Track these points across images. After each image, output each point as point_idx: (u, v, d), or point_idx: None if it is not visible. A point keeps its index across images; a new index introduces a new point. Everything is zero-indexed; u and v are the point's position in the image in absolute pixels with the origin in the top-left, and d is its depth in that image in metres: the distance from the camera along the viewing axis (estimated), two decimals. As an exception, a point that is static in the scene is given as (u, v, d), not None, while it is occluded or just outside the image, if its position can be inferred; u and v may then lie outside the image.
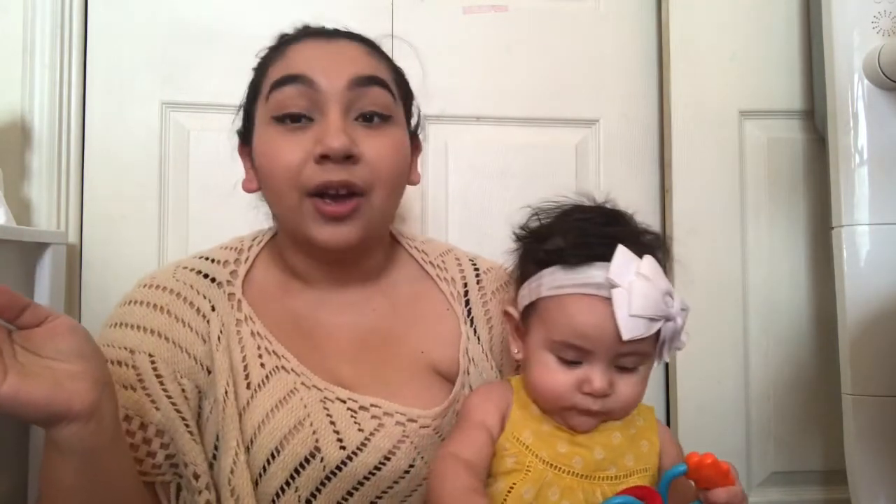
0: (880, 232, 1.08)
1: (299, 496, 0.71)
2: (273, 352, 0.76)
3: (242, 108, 0.84)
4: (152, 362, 0.73)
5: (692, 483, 0.66)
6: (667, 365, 1.25)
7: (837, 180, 1.10)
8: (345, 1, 1.21)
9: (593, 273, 0.66)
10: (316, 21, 0.85)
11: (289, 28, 0.85)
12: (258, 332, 0.77)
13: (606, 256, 0.66)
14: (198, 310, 0.77)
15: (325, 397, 0.74)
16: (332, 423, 0.72)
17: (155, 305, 0.76)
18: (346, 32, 0.82)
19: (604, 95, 1.28)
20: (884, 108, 1.08)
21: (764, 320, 1.25)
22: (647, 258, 0.66)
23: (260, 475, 0.71)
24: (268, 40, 0.85)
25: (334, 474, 0.71)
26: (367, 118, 0.76)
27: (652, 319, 0.65)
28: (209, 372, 0.75)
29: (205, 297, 0.78)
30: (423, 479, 0.75)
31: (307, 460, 0.71)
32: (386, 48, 0.84)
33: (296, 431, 0.71)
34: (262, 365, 0.75)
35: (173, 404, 0.72)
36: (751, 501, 1.23)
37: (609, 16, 1.29)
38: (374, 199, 0.75)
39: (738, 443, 1.24)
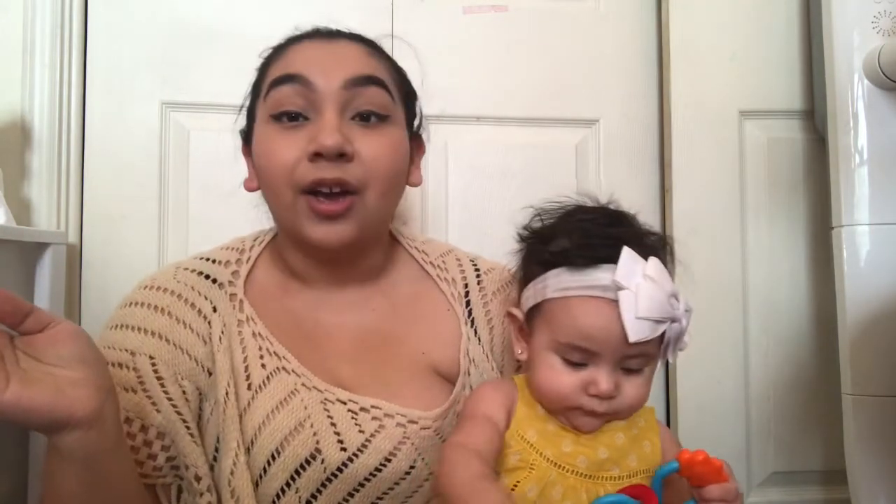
0: (880, 232, 1.08)
1: (300, 497, 0.71)
2: (274, 353, 0.76)
3: (245, 108, 0.84)
4: (153, 364, 0.73)
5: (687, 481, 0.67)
6: (667, 365, 1.25)
7: (837, 180, 1.10)
8: (345, 1, 1.21)
9: (599, 275, 0.66)
10: (315, 21, 0.85)
11: (288, 28, 0.85)
12: (259, 333, 0.77)
13: (612, 258, 0.66)
14: (199, 311, 0.77)
15: (326, 398, 0.74)
16: (333, 424, 0.72)
17: (156, 307, 0.76)
18: (346, 33, 0.82)
19: (604, 95, 1.28)
20: (884, 108, 1.08)
21: (764, 320, 1.25)
22: (653, 260, 0.66)
23: (260, 476, 0.71)
24: (268, 40, 0.85)
25: (335, 476, 0.71)
26: (363, 118, 0.76)
27: (658, 321, 0.65)
28: (210, 373, 0.75)
29: (206, 298, 0.78)
30: (423, 480, 0.75)
31: (308, 461, 0.71)
32: (386, 48, 0.84)
33: (296, 433, 0.71)
34: (263, 366, 0.75)
35: (174, 406, 0.72)
36: (751, 501, 1.24)
37: (609, 16, 1.29)
38: (368, 198, 0.75)
39: (738, 443, 1.24)
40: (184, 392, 0.73)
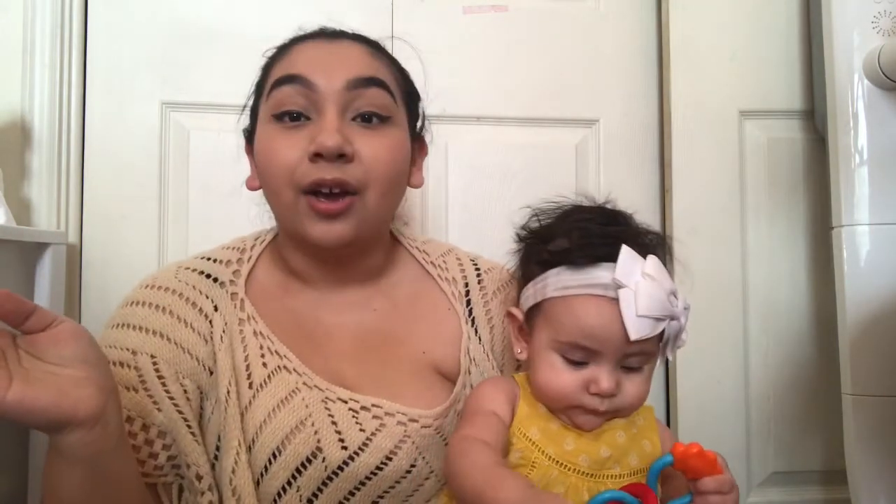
0: (880, 232, 1.08)
1: (301, 496, 0.71)
2: (275, 352, 0.76)
3: (249, 108, 0.84)
4: (154, 363, 0.73)
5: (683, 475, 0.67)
6: (667, 365, 1.25)
7: (837, 180, 1.10)
8: (345, 1, 1.21)
9: (599, 274, 0.66)
10: (315, 21, 0.85)
11: (288, 28, 0.85)
12: (260, 332, 0.77)
13: (611, 257, 0.66)
14: (200, 310, 0.77)
15: (327, 397, 0.74)
16: (334, 423, 0.72)
17: (157, 306, 0.76)
18: (349, 34, 0.82)
19: (604, 95, 1.28)
20: (884, 108, 1.08)
21: (764, 320, 1.25)
22: (651, 258, 0.67)
23: (261, 475, 0.71)
24: (267, 40, 0.85)
25: (336, 474, 0.71)
26: (365, 118, 0.76)
27: (658, 319, 0.65)
28: (211, 372, 0.75)
29: (207, 298, 0.78)
30: (424, 479, 0.75)
31: (309, 460, 0.71)
32: (386, 48, 0.84)
33: (297, 431, 0.71)
34: (265, 365, 0.75)
35: (175, 405, 0.72)
36: (751, 501, 1.24)
37: (609, 16, 1.29)
38: (367, 198, 0.75)
39: (738, 443, 1.23)
40: (185, 391, 0.73)
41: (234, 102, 0.87)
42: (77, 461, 0.60)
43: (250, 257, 0.83)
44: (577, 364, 0.68)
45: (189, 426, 0.72)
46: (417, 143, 0.86)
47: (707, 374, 1.23)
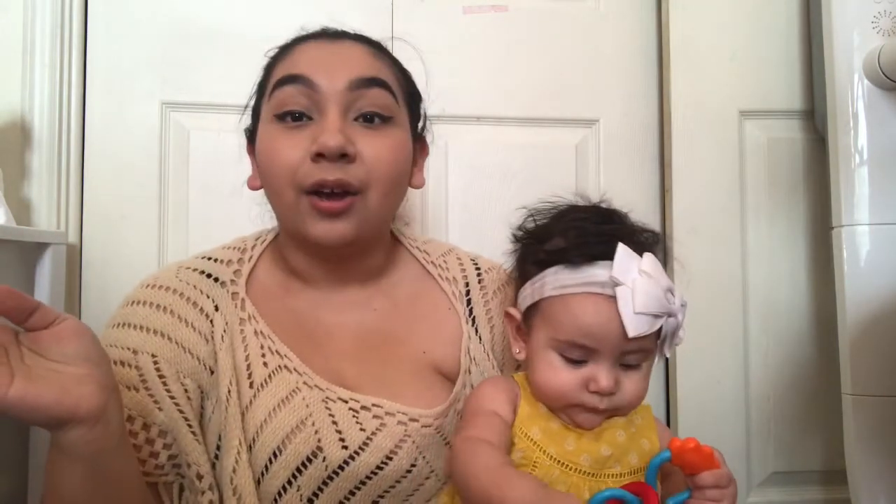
0: (880, 232, 1.08)
1: (301, 495, 0.71)
2: (276, 351, 0.76)
3: (251, 108, 0.84)
4: (155, 363, 0.73)
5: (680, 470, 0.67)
6: (667, 365, 1.25)
7: (837, 180, 1.10)
8: (345, 1, 1.21)
9: (596, 272, 0.67)
10: (315, 21, 0.85)
11: (287, 28, 0.85)
12: (261, 332, 0.77)
13: (607, 255, 0.66)
14: (201, 309, 0.77)
15: (328, 397, 0.74)
16: (335, 422, 0.72)
17: (158, 306, 0.76)
18: (352, 34, 0.82)
19: (604, 95, 1.28)
20: (884, 108, 1.08)
21: (764, 320, 1.25)
22: (648, 255, 0.67)
23: (262, 474, 0.71)
24: (267, 40, 0.85)
25: (336, 474, 0.71)
26: (367, 119, 0.76)
27: (655, 316, 0.65)
28: (212, 372, 0.75)
29: (208, 297, 0.78)
30: (424, 478, 0.75)
31: (309, 460, 0.71)
32: (388, 49, 0.84)
33: (298, 431, 0.71)
34: (265, 364, 0.75)
35: (176, 405, 0.72)
36: (751, 501, 1.24)
37: (609, 16, 1.29)
38: (369, 198, 0.75)
39: (738, 443, 1.23)
40: (186, 390, 0.73)
41: (234, 102, 0.87)
42: (78, 459, 0.60)
43: (251, 257, 0.84)
44: (576, 363, 0.68)
45: (190, 425, 0.72)
46: (419, 144, 0.86)
47: (707, 374, 1.23)
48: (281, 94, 0.76)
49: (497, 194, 1.25)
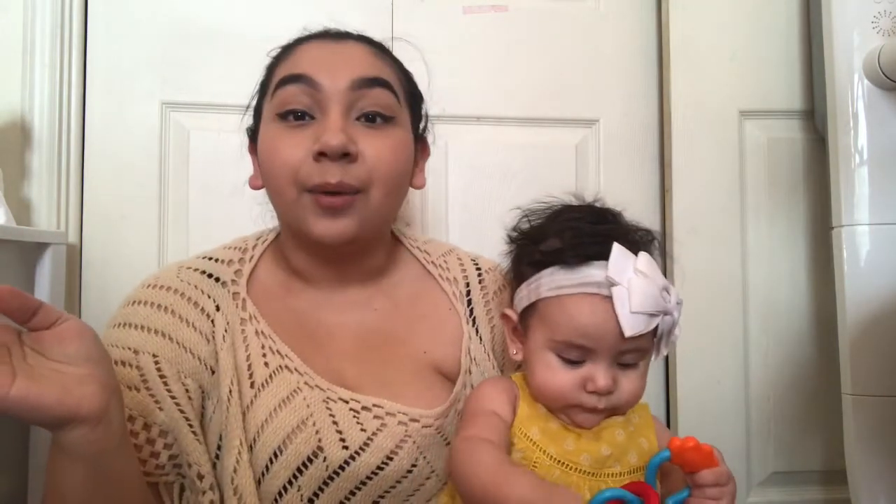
0: (880, 232, 1.08)
1: (302, 495, 0.71)
2: (277, 351, 0.76)
3: (253, 107, 0.85)
4: (156, 363, 0.73)
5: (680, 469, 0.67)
6: (667, 365, 1.25)
7: (837, 180, 1.10)
8: (345, 1, 1.21)
9: (592, 272, 0.67)
10: (316, 20, 0.85)
11: (288, 28, 0.85)
12: (262, 332, 0.77)
13: (602, 255, 0.66)
14: (202, 309, 0.77)
15: (328, 397, 0.74)
16: (335, 422, 0.72)
17: (159, 306, 0.76)
18: (354, 35, 0.82)
19: (604, 95, 1.28)
20: (884, 108, 1.08)
21: (764, 320, 1.25)
22: (643, 254, 0.67)
23: (263, 474, 0.71)
24: (267, 40, 0.85)
25: (337, 474, 0.71)
26: (369, 118, 0.76)
27: (652, 315, 0.65)
28: (213, 372, 0.75)
29: (209, 297, 0.78)
30: (425, 478, 0.75)
31: (310, 460, 0.71)
32: (390, 50, 0.85)
33: (299, 431, 0.71)
34: (266, 364, 0.75)
35: (177, 405, 0.72)
36: (751, 501, 1.24)
37: (609, 16, 1.29)
38: (371, 196, 0.75)
39: (738, 443, 1.23)
40: (187, 390, 0.73)
41: (234, 102, 0.87)
42: (79, 459, 0.60)
43: (252, 257, 0.84)
44: (573, 363, 0.68)
45: (191, 425, 0.72)
46: (420, 145, 0.86)
47: (707, 374, 1.23)
48: (283, 93, 0.76)
49: (497, 194, 1.25)
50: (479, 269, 0.90)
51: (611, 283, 0.65)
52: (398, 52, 0.87)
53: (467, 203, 1.25)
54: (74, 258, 1.15)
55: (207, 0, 1.21)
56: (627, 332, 0.64)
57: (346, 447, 0.71)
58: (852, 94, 1.09)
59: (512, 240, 0.78)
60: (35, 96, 1.12)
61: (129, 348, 0.73)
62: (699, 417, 1.22)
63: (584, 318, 0.67)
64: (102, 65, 1.18)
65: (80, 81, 1.17)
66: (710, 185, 1.24)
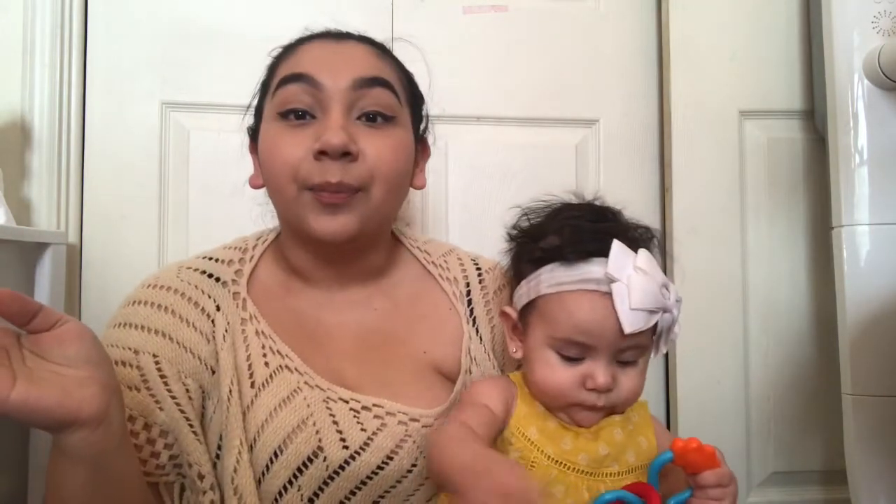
0: (880, 232, 1.08)
1: (302, 495, 0.71)
2: (277, 351, 0.76)
3: (254, 107, 0.85)
4: (156, 363, 0.73)
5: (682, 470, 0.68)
6: (667, 365, 1.25)
7: (837, 180, 1.10)
8: (345, 1, 1.21)
9: (592, 269, 0.67)
10: (316, 20, 0.85)
11: (288, 28, 0.85)
12: (262, 332, 0.77)
13: (602, 252, 0.67)
14: (202, 309, 0.77)
15: (328, 397, 0.74)
16: (335, 422, 0.72)
17: (159, 306, 0.76)
18: (355, 35, 0.82)
19: (604, 95, 1.28)
20: (884, 108, 1.08)
21: (764, 320, 1.25)
22: (642, 252, 0.67)
23: (263, 474, 0.71)
24: (267, 40, 0.85)
25: (337, 474, 0.71)
26: (370, 118, 0.76)
27: (651, 312, 0.66)
28: (213, 372, 0.75)
29: (209, 297, 0.78)
30: (425, 478, 0.75)
31: (310, 459, 0.71)
32: (391, 50, 0.85)
33: (299, 430, 0.71)
34: (267, 364, 0.75)
35: (177, 405, 0.72)
36: (751, 501, 1.24)
37: (609, 16, 1.29)
38: (371, 194, 0.75)
39: (738, 443, 1.24)
40: (187, 390, 0.73)
41: (234, 102, 0.87)
42: (80, 460, 0.60)
43: (252, 257, 0.84)
44: (573, 360, 0.69)
45: (191, 425, 0.72)
46: (420, 145, 0.86)
47: (707, 374, 1.23)
48: (284, 92, 0.76)
49: (497, 194, 1.25)
50: (479, 268, 0.90)
51: (610, 280, 0.66)
52: (398, 53, 0.87)
53: (467, 203, 1.25)
54: (74, 258, 1.15)
55: (207, 0, 1.21)
56: (627, 329, 0.65)
57: (346, 447, 0.71)
58: (852, 94, 1.09)
59: (512, 238, 0.78)
60: (35, 96, 1.12)
61: (130, 348, 0.73)
62: (699, 417, 1.22)
63: (583, 314, 0.67)
64: (102, 65, 1.18)
65: (80, 81, 1.17)
66: (710, 185, 1.24)
